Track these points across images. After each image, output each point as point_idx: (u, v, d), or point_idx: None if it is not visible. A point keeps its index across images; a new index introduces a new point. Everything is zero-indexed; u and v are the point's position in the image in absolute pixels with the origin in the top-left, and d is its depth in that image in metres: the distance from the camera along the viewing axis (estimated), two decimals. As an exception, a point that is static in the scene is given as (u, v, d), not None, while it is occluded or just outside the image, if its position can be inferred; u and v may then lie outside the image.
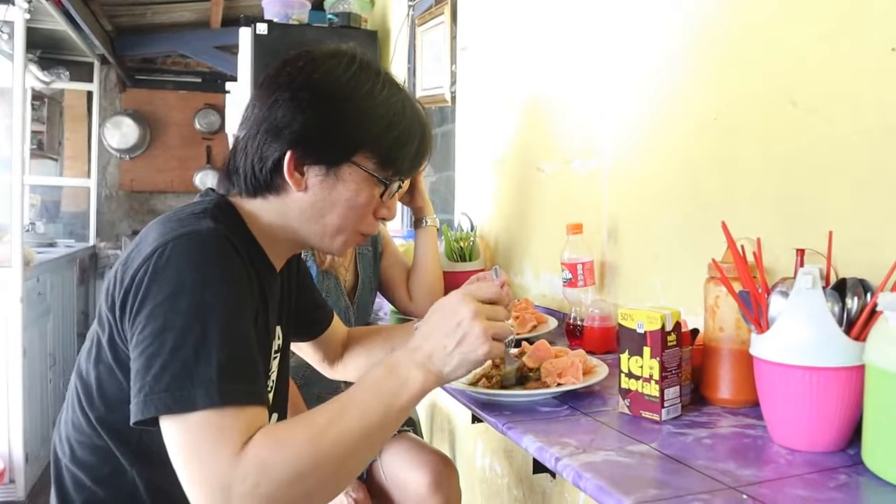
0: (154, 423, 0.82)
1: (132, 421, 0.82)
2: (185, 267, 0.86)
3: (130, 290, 0.86)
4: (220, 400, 0.79)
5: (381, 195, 1.05)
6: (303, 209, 1.02)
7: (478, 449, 2.47)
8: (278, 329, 1.12)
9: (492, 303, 0.96)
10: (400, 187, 1.08)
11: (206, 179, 5.64)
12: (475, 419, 1.95)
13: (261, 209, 1.04)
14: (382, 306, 2.14)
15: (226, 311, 0.85)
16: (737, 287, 0.98)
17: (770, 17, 1.20)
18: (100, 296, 0.98)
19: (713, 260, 1.04)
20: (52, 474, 1.02)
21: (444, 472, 1.76)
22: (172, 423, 0.80)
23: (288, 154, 0.98)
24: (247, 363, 0.86)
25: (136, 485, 0.97)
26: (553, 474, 1.88)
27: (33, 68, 4.49)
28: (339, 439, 0.82)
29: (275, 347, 1.10)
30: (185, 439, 0.79)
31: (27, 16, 3.14)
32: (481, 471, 2.44)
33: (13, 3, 3.09)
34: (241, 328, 0.87)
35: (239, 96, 3.38)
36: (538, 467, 1.81)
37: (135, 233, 5.53)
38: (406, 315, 1.95)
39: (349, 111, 1.00)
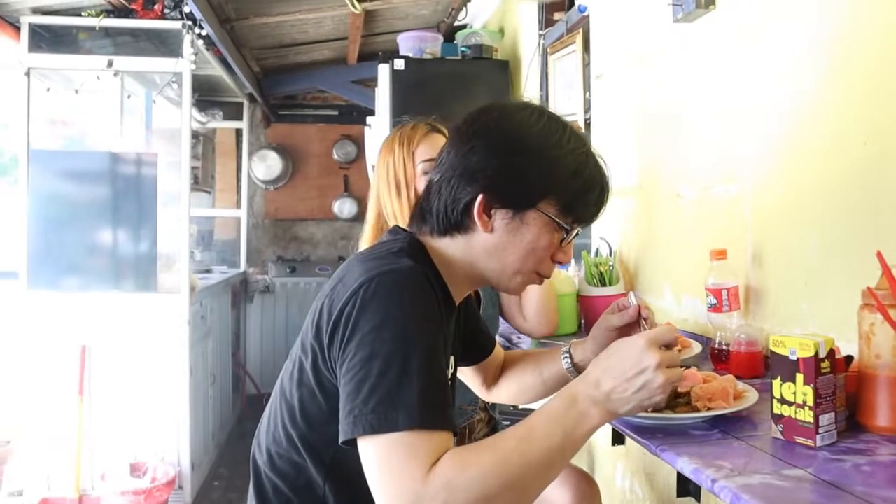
0: (356, 442, 0.92)
1: (341, 440, 0.92)
2: (389, 301, 0.96)
3: (340, 321, 0.97)
4: (419, 423, 0.88)
5: (561, 240, 1.12)
6: (487, 249, 1.10)
7: (618, 471, 2.49)
8: (451, 359, 1.21)
9: (668, 345, 0.99)
10: (578, 234, 1.14)
11: (343, 206, 5.93)
12: (615, 441, 1.99)
13: (447, 247, 1.13)
14: (524, 337, 2.21)
15: (425, 341, 0.95)
16: (894, 314, 0.99)
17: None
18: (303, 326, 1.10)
19: (868, 288, 1.04)
20: (251, 478, 1.15)
21: (588, 490, 1.79)
22: (372, 441, 0.89)
23: (480, 197, 1.07)
24: (442, 391, 0.95)
25: (326, 498, 1.08)
26: (697, 498, 1.88)
27: (193, 110, 4.91)
28: (524, 466, 0.89)
29: (447, 376, 1.20)
30: (380, 456, 0.88)
31: (193, 66, 3.48)
32: (621, 493, 2.45)
33: (182, 57, 3.44)
34: (438, 358, 0.97)
35: (378, 128, 3.57)
36: (682, 491, 1.83)
37: (279, 258, 5.90)
38: (522, 333, 2.02)
39: (539, 160, 1.08)
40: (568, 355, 1.34)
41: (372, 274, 0.98)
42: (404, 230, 1.18)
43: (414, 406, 0.89)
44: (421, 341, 0.94)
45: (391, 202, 1.78)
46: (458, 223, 1.10)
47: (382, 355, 0.92)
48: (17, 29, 3.43)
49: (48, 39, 3.53)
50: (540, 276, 1.15)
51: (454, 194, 1.09)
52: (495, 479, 0.87)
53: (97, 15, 3.42)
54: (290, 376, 1.10)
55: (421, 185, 1.75)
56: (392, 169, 1.79)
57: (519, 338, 2.05)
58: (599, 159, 1.13)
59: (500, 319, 2.07)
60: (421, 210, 1.16)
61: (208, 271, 5.14)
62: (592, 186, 1.11)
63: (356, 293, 0.97)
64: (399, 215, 1.75)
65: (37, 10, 3.42)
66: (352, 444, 0.92)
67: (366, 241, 1.83)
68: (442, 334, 1.02)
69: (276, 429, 1.11)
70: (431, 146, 1.78)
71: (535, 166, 1.08)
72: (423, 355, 0.93)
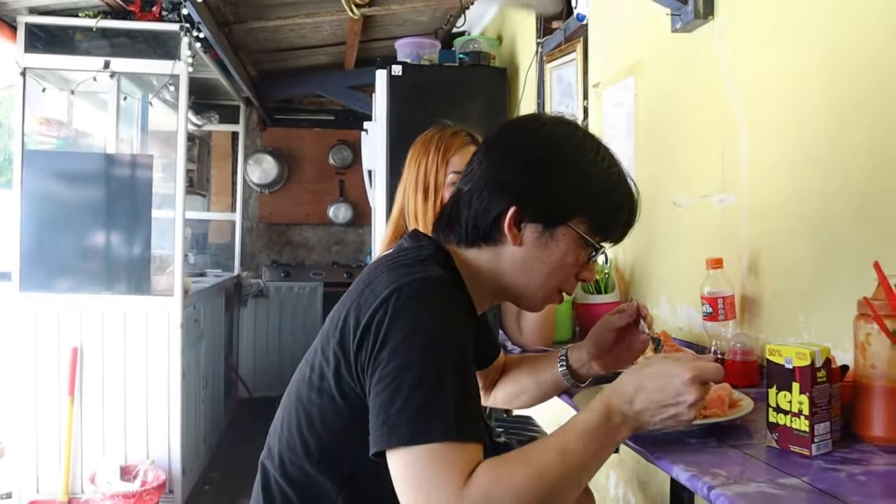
0: (383, 454, 0.90)
1: (372, 451, 0.91)
2: (421, 310, 0.95)
3: (370, 329, 0.95)
4: (455, 434, 0.88)
5: (588, 258, 1.12)
6: (513, 262, 1.10)
7: (611, 480, 2.48)
8: None
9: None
10: (604, 253, 1.14)
11: (338, 212, 5.93)
12: (610, 449, 1.99)
13: (474, 258, 1.12)
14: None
15: (458, 352, 0.94)
16: (890, 325, 0.99)
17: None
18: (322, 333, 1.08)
19: (865, 298, 1.04)
20: (259, 482, 1.12)
21: (584, 499, 1.79)
22: (405, 453, 0.88)
23: (512, 209, 1.06)
24: (475, 402, 0.95)
25: None
26: (691, 507, 1.88)
27: (189, 113, 4.91)
28: (559, 478, 0.90)
29: (478, 386, 1.20)
30: (414, 468, 0.87)
31: (190, 69, 3.48)
32: (615, 501, 2.44)
33: (179, 59, 3.44)
34: (469, 368, 0.96)
35: (375, 134, 3.56)
36: (675, 500, 1.84)
37: (273, 262, 5.88)
38: (516, 345, 2.00)
39: (574, 176, 1.08)
40: (564, 358, 1.34)
41: (403, 281, 0.97)
42: (427, 236, 1.17)
43: (449, 417, 0.89)
44: (454, 352, 0.94)
45: (415, 203, 1.76)
46: (486, 234, 1.09)
47: (416, 366, 0.91)
48: (14, 29, 3.42)
49: (44, 40, 3.51)
50: (561, 295, 1.15)
51: (485, 205, 1.08)
52: (532, 492, 0.87)
53: (94, 16, 3.42)
54: (309, 383, 1.07)
55: (449, 195, 1.74)
56: (423, 171, 1.77)
57: (513, 345, 2.05)
58: (630, 180, 1.13)
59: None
60: (448, 219, 1.15)
61: (202, 274, 5.11)
62: (623, 206, 1.11)
63: (387, 301, 0.95)
64: (421, 218, 1.74)
65: (33, 10, 3.41)
66: (380, 455, 0.91)
67: (387, 238, 1.82)
68: (472, 344, 1.01)
69: (290, 435, 1.08)
70: (465, 159, 1.74)
71: (570, 182, 1.08)
72: (457, 366, 0.93)
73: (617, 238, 1.14)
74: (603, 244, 1.12)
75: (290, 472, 1.07)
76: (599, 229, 1.10)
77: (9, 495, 3.51)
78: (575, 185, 1.08)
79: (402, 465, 0.89)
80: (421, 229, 1.72)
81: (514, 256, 1.09)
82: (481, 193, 1.09)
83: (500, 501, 0.85)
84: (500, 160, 1.10)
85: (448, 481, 0.86)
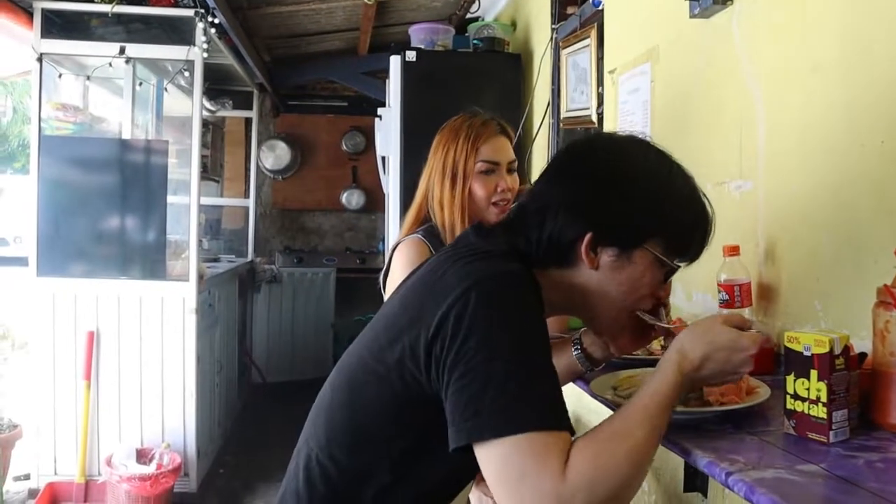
0: (467, 448, 0.90)
1: (461, 443, 0.90)
2: (505, 302, 0.95)
3: (447, 321, 0.94)
4: (550, 423, 0.88)
5: (665, 278, 1.11)
6: (589, 285, 1.08)
7: (623, 466, 2.49)
8: None
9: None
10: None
11: (351, 198, 5.94)
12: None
13: (544, 278, 1.08)
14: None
15: (542, 342, 0.95)
16: (910, 313, 0.98)
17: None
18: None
19: (885, 285, 1.04)
20: (300, 461, 1.09)
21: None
22: (500, 444, 0.87)
23: (588, 235, 1.05)
24: (559, 390, 0.94)
25: (383, 493, 1.03)
26: (704, 493, 1.88)
27: (203, 99, 4.92)
28: (648, 452, 0.92)
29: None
30: (513, 459, 0.87)
31: (205, 55, 3.49)
32: (627, 488, 2.45)
33: (194, 45, 3.44)
34: (551, 357, 0.96)
35: (388, 120, 3.56)
36: (689, 485, 1.84)
37: (286, 248, 5.90)
38: None
39: (649, 199, 1.06)
40: (578, 342, 1.34)
41: (483, 274, 0.97)
42: (496, 235, 1.14)
43: (544, 406, 0.89)
44: (539, 341, 0.95)
45: (440, 190, 1.75)
46: (561, 257, 1.08)
47: (505, 357, 0.91)
48: (30, 14, 3.43)
49: (60, 25, 3.53)
50: (630, 315, 1.14)
51: (559, 229, 1.07)
52: (628, 468, 0.89)
53: (110, 1, 3.42)
54: (364, 366, 1.05)
55: (477, 185, 1.75)
56: (451, 158, 1.75)
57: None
58: (704, 196, 1.12)
59: None
60: (512, 236, 1.11)
61: (216, 260, 5.13)
62: (698, 225, 1.10)
63: (466, 293, 0.94)
64: (447, 205, 1.74)
65: (50, -4, 3.43)
66: (466, 450, 0.90)
67: (408, 222, 1.81)
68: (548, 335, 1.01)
69: (336, 415, 1.07)
70: (495, 149, 1.75)
71: (645, 205, 1.06)
72: (543, 355, 0.94)
73: (694, 256, 1.12)
74: (679, 263, 1.11)
75: (333, 452, 1.05)
76: (675, 249, 1.09)
77: (27, 477, 3.57)
78: (650, 208, 1.06)
79: (498, 457, 0.88)
80: (446, 216, 1.74)
81: (589, 279, 1.08)
82: (555, 215, 1.07)
83: (601, 485, 0.86)
84: (574, 183, 1.09)
85: (548, 469, 0.85)
